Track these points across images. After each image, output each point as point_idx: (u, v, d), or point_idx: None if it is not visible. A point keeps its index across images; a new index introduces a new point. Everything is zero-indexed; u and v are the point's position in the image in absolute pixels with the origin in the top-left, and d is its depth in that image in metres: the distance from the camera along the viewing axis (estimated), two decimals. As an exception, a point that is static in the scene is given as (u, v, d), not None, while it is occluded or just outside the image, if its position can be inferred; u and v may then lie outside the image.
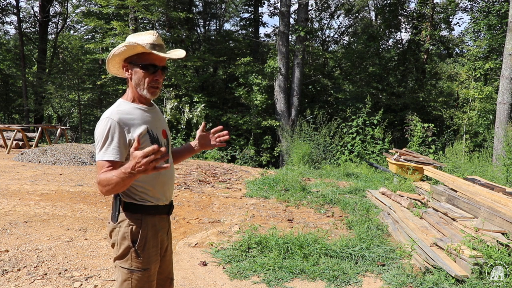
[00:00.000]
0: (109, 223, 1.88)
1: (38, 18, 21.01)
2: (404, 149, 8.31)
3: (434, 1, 18.36)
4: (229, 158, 13.40)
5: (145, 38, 1.79)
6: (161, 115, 2.00)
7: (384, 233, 4.59)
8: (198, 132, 2.15)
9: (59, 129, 12.24)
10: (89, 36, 22.26)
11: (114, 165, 1.69)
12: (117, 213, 1.83)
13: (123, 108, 1.80)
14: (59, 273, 3.37)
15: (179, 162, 2.23)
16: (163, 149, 1.45)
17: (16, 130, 10.81)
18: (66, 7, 22.50)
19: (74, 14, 22.59)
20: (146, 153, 1.44)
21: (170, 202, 1.97)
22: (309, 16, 16.65)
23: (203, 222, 4.97)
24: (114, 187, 1.61)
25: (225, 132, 2.18)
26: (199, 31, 20.78)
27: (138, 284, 1.81)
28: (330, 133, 11.41)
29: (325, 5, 21.80)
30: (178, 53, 1.90)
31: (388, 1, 19.51)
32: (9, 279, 3.23)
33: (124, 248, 1.81)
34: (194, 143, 2.18)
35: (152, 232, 1.85)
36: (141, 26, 17.17)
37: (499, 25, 13.98)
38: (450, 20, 19.93)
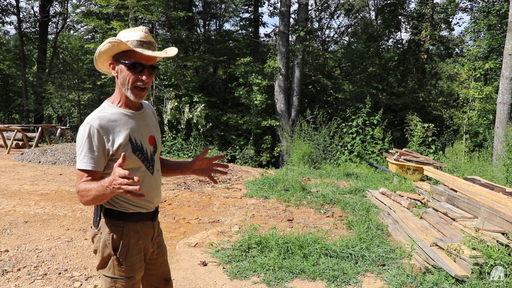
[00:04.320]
0: (91, 227, 1.83)
1: (38, 18, 21.02)
2: (404, 149, 8.31)
3: (434, 1, 18.37)
4: (229, 158, 13.40)
5: (133, 35, 1.69)
6: (152, 119, 1.88)
7: (384, 233, 4.59)
8: (199, 157, 2.01)
9: (59, 129, 12.25)
10: (89, 36, 22.25)
11: (92, 174, 1.64)
12: (98, 218, 1.77)
13: (106, 112, 1.71)
14: (59, 273, 3.37)
15: (166, 177, 2.13)
16: (136, 179, 1.43)
17: (16, 130, 10.81)
18: (66, 7, 22.50)
19: (74, 14, 22.60)
20: (124, 174, 1.43)
21: (154, 209, 1.88)
22: (309, 16, 16.66)
23: (203, 222, 4.97)
24: (93, 199, 1.59)
25: (226, 166, 2.07)
26: (199, 31, 20.78)
27: None
28: (330, 133, 11.41)
29: (325, 5, 21.79)
30: (170, 52, 1.76)
31: (388, 1, 19.51)
32: (9, 279, 3.23)
33: (106, 256, 1.76)
34: (190, 163, 2.04)
35: (135, 239, 1.78)
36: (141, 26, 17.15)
37: (499, 25, 13.98)
38: (450, 20, 19.94)
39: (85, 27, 22.54)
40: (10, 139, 11.38)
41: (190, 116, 14.14)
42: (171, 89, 15.69)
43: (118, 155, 1.68)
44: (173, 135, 13.18)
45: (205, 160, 2.02)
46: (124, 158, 1.49)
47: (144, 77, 1.69)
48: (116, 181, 1.46)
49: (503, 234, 3.75)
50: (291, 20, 16.60)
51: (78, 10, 22.08)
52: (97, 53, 1.73)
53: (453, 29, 21.92)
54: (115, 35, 13.83)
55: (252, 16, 21.26)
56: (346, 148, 11.30)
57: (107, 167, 1.70)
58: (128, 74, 1.69)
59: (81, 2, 22.65)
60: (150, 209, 1.83)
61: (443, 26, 19.85)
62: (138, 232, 1.80)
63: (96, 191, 1.55)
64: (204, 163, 2.02)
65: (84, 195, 1.60)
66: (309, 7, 16.21)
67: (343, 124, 11.87)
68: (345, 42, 23.87)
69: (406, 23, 19.99)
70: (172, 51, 1.77)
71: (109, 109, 1.74)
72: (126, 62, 1.69)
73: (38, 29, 21.65)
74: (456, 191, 4.97)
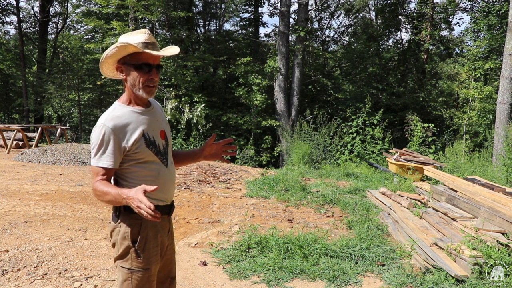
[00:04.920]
0: (110, 222, 1.90)
1: (38, 18, 21.02)
2: (404, 149, 8.31)
3: (434, 1, 18.37)
4: (229, 158, 13.40)
5: (137, 38, 1.76)
6: (161, 115, 1.98)
7: (384, 233, 4.59)
8: (208, 143, 2.13)
9: (59, 129, 12.24)
10: (89, 36, 22.26)
11: (108, 172, 1.75)
12: (117, 213, 1.84)
13: (118, 112, 1.80)
14: (59, 273, 3.37)
15: (179, 166, 2.23)
16: (158, 215, 1.54)
17: (16, 130, 10.81)
18: (66, 7, 22.51)
19: (74, 14, 22.60)
20: (144, 203, 1.55)
21: (170, 203, 1.97)
22: (309, 16, 16.66)
23: (203, 222, 4.97)
24: (108, 202, 1.72)
25: (235, 147, 2.20)
26: (199, 31, 20.79)
27: (138, 284, 1.82)
28: (330, 133, 11.41)
29: (325, 5, 21.79)
30: (172, 50, 1.85)
31: (388, 1, 19.51)
32: (9, 279, 3.23)
33: (124, 248, 1.82)
34: (200, 151, 2.16)
35: (153, 232, 1.86)
36: (141, 26, 17.16)
37: (499, 25, 13.98)
38: (450, 20, 19.94)
39: (85, 27, 22.54)
40: (10, 139, 11.38)
41: (190, 116, 14.14)
42: (171, 89, 15.69)
43: (133, 150, 1.78)
44: (173, 135, 13.18)
45: (214, 145, 2.14)
46: (157, 189, 1.59)
47: (153, 76, 1.79)
48: (135, 201, 1.57)
49: (503, 234, 3.75)
50: (291, 20, 16.60)
51: (78, 10, 22.09)
52: (103, 58, 1.81)
53: (453, 29, 21.95)
54: (115, 35, 13.65)
55: (252, 16, 21.25)
56: (346, 148, 11.30)
57: (122, 162, 1.80)
58: (137, 75, 1.78)
59: (81, 2, 22.66)
60: (166, 201, 1.92)
61: (443, 26, 19.85)
62: (156, 225, 1.88)
63: (113, 197, 1.67)
64: (213, 148, 2.14)
65: (100, 195, 1.72)
66: (309, 7, 16.21)
67: (343, 124, 11.87)
68: (345, 42, 23.87)
69: (406, 23, 19.99)
70: (174, 49, 1.84)
71: (120, 109, 1.82)
72: (134, 63, 1.77)
73: (38, 29, 21.64)
74: (456, 191, 4.97)
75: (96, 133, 1.74)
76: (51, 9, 21.58)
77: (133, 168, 1.81)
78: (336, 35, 24.43)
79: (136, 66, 1.77)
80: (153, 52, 1.74)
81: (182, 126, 14.19)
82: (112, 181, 1.82)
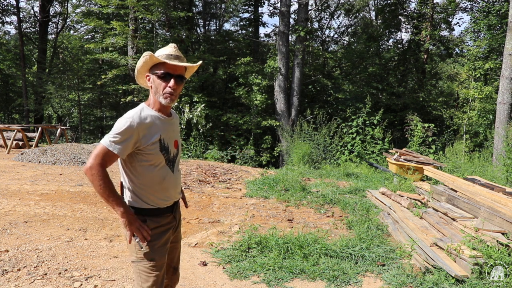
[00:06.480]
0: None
1: (38, 18, 21.01)
2: (404, 149, 8.31)
3: (434, 1, 18.37)
4: (229, 158, 13.38)
5: (163, 50, 2.00)
6: (177, 126, 2.17)
7: (384, 233, 4.59)
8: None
9: (59, 129, 12.24)
10: (89, 36, 22.26)
11: (113, 156, 1.87)
12: None
13: (145, 113, 1.97)
14: (59, 273, 3.37)
15: None
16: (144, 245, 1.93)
17: (16, 130, 10.81)
18: (66, 7, 22.51)
19: (74, 14, 22.60)
20: (139, 230, 1.91)
21: (173, 202, 2.10)
22: (309, 16, 16.62)
23: (203, 222, 4.97)
24: (99, 192, 1.87)
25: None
26: (199, 31, 20.76)
27: (144, 275, 1.96)
28: (330, 133, 11.40)
29: (325, 5, 21.78)
30: (191, 63, 2.06)
31: (388, 1, 19.50)
32: (9, 279, 3.23)
33: (130, 241, 1.99)
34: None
35: (155, 227, 1.99)
36: (141, 26, 17.17)
37: (499, 25, 13.98)
38: (450, 20, 19.94)
39: (85, 27, 22.55)
40: (10, 139, 11.38)
41: (190, 116, 14.13)
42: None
43: (147, 150, 1.94)
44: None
45: None
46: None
47: (171, 84, 1.96)
48: (131, 224, 1.89)
49: (503, 234, 3.75)
50: (291, 20, 16.58)
51: (78, 10, 22.10)
52: (136, 69, 2.05)
53: (453, 29, 21.93)
54: (115, 35, 13.65)
55: (252, 16, 21.23)
56: (346, 148, 11.30)
57: (130, 156, 1.95)
58: (159, 82, 1.97)
59: (81, 2, 22.66)
60: (168, 204, 2.06)
61: (443, 26, 19.84)
62: (159, 222, 2.02)
63: (105, 198, 1.86)
64: None
65: (98, 185, 1.85)
66: (309, 7, 16.20)
67: (343, 124, 11.87)
68: (345, 42, 23.86)
69: (406, 23, 19.98)
70: (194, 63, 2.08)
71: (147, 111, 2.00)
72: (158, 73, 1.98)
73: (38, 29, 21.64)
74: (456, 191, 4.97)
75: (123, 122, 1.88)
76: (51, 9, 21.58)
77: (143, 168, 1.96)
78: (336, 35, 24.43)
79: (159, 74, 1.96)
80: (171, 61, 1.93)
81: (182, 126, 14.18)
82: (122, 178, 2.01)
